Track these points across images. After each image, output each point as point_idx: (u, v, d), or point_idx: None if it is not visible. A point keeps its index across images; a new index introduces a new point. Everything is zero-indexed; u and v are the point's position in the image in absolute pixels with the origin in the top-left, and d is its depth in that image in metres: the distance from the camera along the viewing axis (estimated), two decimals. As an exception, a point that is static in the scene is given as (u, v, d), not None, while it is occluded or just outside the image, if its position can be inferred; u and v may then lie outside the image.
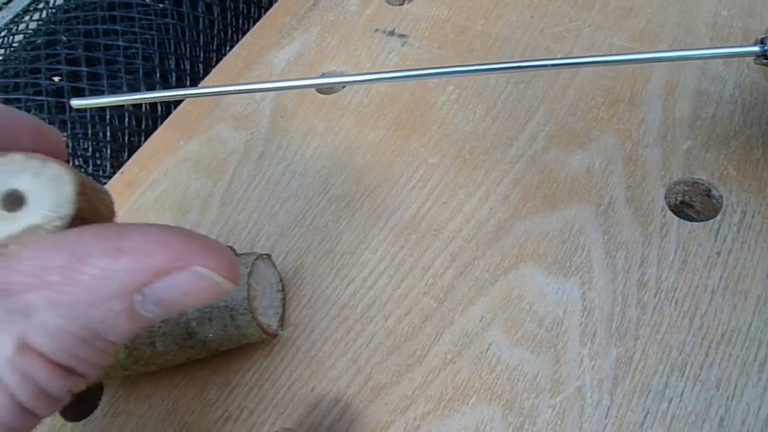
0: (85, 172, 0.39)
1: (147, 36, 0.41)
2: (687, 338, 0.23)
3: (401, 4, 0.37)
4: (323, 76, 0.35)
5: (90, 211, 0.15)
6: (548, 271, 0.25)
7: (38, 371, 0.13)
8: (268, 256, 0.26)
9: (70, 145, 0.38)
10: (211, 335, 0.24)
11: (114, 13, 0.41)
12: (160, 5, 0.42)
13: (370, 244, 0.28)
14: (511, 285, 0.25)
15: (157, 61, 0.41)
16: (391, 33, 0.35)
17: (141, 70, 0.40)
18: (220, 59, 0.38)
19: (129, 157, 0.35)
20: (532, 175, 0.28)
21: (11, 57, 0.41)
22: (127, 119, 0.39)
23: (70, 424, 0.26)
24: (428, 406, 0.23)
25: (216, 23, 0.44)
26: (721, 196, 0.26)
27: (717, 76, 0.29)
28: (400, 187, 0.29)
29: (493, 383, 0.23)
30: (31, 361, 0.13)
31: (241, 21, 0.45)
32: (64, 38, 0.40)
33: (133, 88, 0.40)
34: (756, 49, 0.22)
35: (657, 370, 0.23)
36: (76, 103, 0.24)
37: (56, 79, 0.39)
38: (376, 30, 0.36)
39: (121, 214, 0.32)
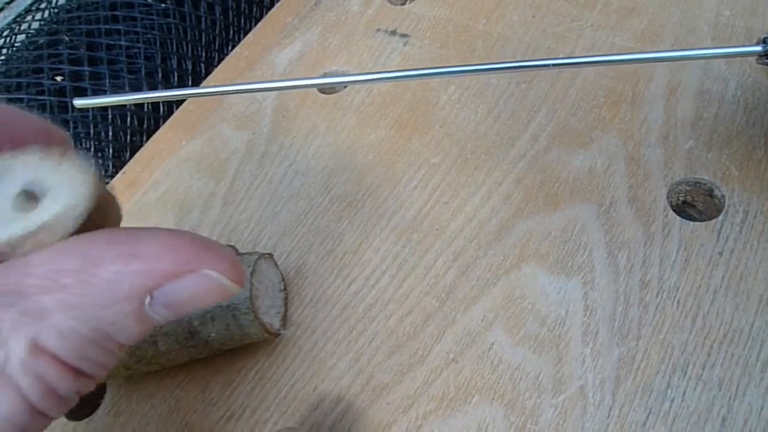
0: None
1: (149, 35, 0.41)
2: (689, 338, 0.23)
3: (403, 4, 0.37)
4: (325, 75, 0.35)
5: (100, 211, 0.16)
6: (550, 271, 0.25)
7: (50, 372, 0.14)
8: (271, 255, 0.26)
9: (72, 144, 0.38)
10: (213, 334, 0.24)
11: (116, 12, 0.41)
12: (162, 5, 0.42)
13: (372, 243, 0.28)
14: (513, 284, 0.25)
15: (159, 61, 0.41)
16: (393, 33, 0.35)
17: (143, 70, 0.40)
18: (222, 59, 0.38)
19: (131, 156, 0.35)
20: (534, 174, 0.28)
21: (14, 57, 0.42)
22: (129, 119, 0.39)
23: (72, 423, 0.26)
24: (430, 405, 0.23)
25: (218, 23, 0.44)
26: (723, 196, 0.26)
27: (719, 75, 0.29)
28: (402, 186, 0.29)
29: (495, 383, 0.23)
30: (43, 362, 0.13)
31: (243, 21, 0.45)
32: (67, 38, 0.40)
33: (136, 88, 0.40)
34: (758, 48, 0.22)
35: (659, 370, 0.23)
36: (78, 102, 0.24)
37: (59, 78, 0.39)
38: (378, 30, 0.36)
39: (123, 214, 0.32)
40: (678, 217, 0.26)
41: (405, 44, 0.35)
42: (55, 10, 0.45)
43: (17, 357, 0.13)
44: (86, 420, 0.26)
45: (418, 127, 0.31)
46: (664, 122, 0.28)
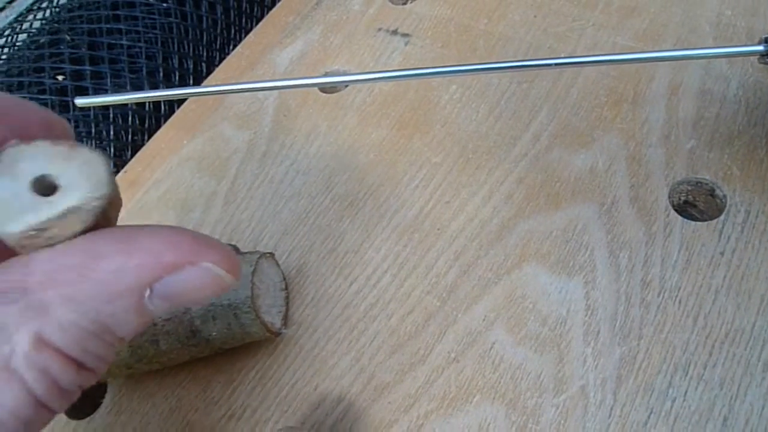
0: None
1: (150, 35, 0.41)
2: (691, 338, 0.23)
3: (404, 4, 0.37)
4: (326, 75, 0.35)
5: (114, 206, 0.16)
6: (552, 271, 0.25)
7: (53, 365, 0.14)
8: (272, 254, 0.26)
9: (74, 135, 0.38)
10: (214, 333, 0.24)
11: (117, 12, 0.41)
12: (164, 4, 0.42)
13: (373, 243, 0.28)
14: (515, 284, 0.25)
15: (160, 60, 0.41)
16: (394, 32, 0.35)
17: (144, 69, 0.40)
18: (223, 58, 0.38)
19: (132, 155, 0.35)
20: (536, 174, 0.28)
21: (15, 56, 0.42)
22: (130, 118, 0.39)
23: (74, 423, 0.26)
24: (431, 404, 0.23)
25: (219, 22, 0.44)
26: (724, 196, 0.26)
27: (721, 75, 0.29)
28: (403, 186, 0.29)
29: (496, 382, 0.23)
30: (46, 356, 0.14)
31: (244, 20, 0.45)
32: (68, 37, 0.40)
33: (137, 87, 0.40)
34: (760, 48, 0.22)
35: (660, 370, 0.23)
36: (80, 101, 0.24)
37: (60, 78, 0.39)
38: (379, 29, 0.36)
39: (125, 213, 0.32)
40: (679, 217, 0.26)
41: (406, 44, 0.35)
42: (57, 9, 0.45)
43: (22, 351, 0.13)
44: (87, 419, 0.26)
45: (420, 126, 0.31)
46: (666, 122, 0.28)
